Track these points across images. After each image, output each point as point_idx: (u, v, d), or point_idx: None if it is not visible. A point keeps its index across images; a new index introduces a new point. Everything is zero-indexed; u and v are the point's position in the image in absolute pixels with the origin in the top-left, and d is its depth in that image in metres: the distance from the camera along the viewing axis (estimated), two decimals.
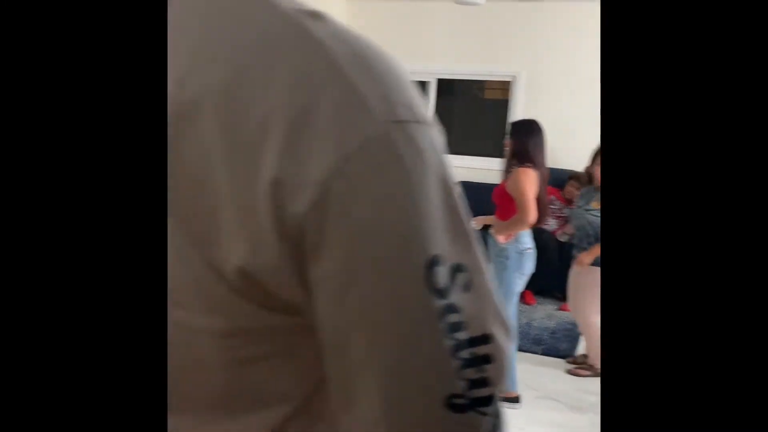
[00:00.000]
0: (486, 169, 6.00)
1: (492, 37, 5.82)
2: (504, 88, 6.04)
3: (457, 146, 6.09)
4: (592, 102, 5.65)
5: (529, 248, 3.18)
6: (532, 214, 3.03)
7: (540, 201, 3.13)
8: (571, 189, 5.27)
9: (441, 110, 6.14)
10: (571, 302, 3.81)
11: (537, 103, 5.80)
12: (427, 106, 0.78)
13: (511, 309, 3.25)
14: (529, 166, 3.12)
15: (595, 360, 3.76)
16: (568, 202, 5.24)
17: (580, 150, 4.97)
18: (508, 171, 3.22)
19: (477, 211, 5.58)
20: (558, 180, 5.33)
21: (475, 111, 6.22)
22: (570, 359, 3.99)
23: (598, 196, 3.51)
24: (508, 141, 3.26)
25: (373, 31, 5.94)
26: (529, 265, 3.20)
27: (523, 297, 5.00)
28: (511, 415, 3.06)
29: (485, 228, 3.39)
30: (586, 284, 3.54)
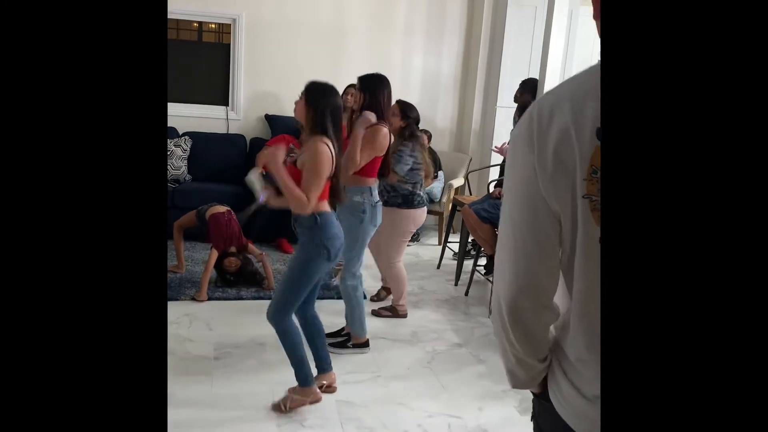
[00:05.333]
0: (210, 117, 5.65)
1: None
2: (222, 31, 5.69)
3: (175, 93, 5.61)
4: (314, 47, 5.67)
5: (379, 201, 3.31)
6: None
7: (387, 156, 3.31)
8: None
9: None
10: (372, 244, 3.91)
11: (258, 47, 5.61)
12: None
13: (362, 259, 3.36)
14: (382, 124, 3.22)
15: (397, 300, 3.93)
16: None
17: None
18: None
19: (208, 161, 5.27)
20: (293, 128, 5.28)
21: (193, 55, 5.75)
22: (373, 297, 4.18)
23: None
24: (355, 94, 3.29)
25: None
26: (379, 217, 3.31)
27: (281, 245, 4.92)
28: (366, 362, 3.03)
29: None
30: (385, 226, 3.72)
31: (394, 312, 3.94)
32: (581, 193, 0.94)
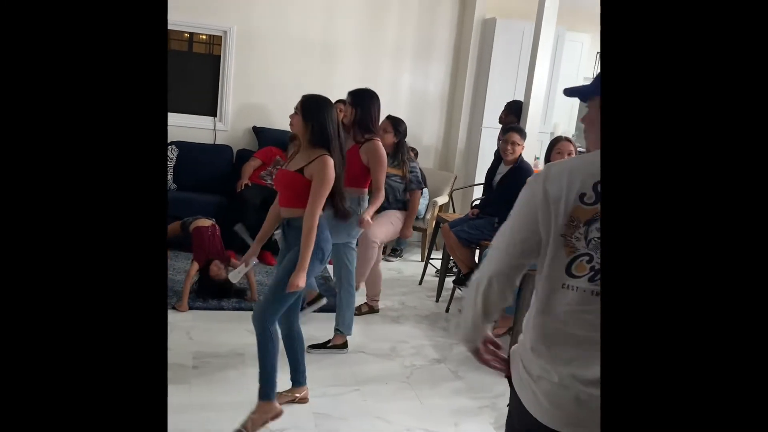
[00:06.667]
0: (197, 127, 5.66)
1: None
2: (212, 43, 5.72)
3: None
4: (303, 62, 5.72)
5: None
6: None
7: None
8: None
9: None
10: None
11: (248, 60, 5.64)
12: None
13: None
14: (376, 138, 3.32)
15: (358, 281, 4.01)
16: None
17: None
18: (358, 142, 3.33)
19: (193, 171, 5.27)
20: (280, 141, 5.32)
21: (182, 65, 5.76)
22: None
23: (394, 162, 4.03)
24: (345, 109, 3.37)
25: None
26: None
27: (264, 258, 4.88)
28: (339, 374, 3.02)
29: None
30: (384, 223, 4.06)
31: (369, 307, 4.21)
32: (560, 232, 1.32)
